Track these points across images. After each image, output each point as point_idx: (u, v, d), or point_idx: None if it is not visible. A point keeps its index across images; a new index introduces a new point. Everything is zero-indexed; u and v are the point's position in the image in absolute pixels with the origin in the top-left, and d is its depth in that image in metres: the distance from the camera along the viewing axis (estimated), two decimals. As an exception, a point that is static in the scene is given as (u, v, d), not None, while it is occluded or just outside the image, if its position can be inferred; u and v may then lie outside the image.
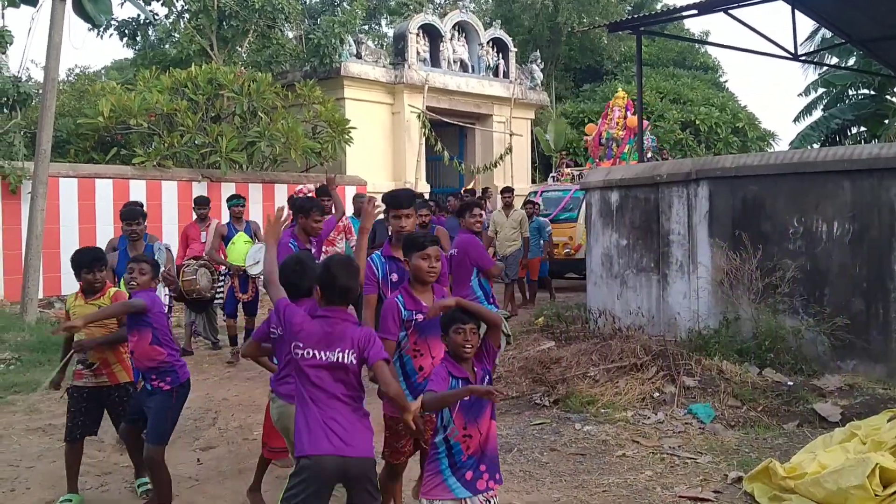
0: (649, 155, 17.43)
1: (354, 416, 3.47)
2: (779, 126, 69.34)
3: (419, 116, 19.06)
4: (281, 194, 15.43)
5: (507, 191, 12.63)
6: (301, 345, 3.46)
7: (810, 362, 7.11)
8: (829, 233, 7.29)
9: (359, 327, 3.53)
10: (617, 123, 18.34)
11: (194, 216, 10.24)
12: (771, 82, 61.77)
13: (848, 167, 7.17)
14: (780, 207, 7.62)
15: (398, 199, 4.88)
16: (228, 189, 14.77)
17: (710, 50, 31.03)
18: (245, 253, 8.93)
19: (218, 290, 9.35)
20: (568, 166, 18.79)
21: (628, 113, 18.26)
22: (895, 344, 6.86)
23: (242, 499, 5.24)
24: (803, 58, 14.85)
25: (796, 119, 24.26)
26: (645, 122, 17.09)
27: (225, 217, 10.95)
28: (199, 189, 14.54)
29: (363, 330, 3.52)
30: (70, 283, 12.91)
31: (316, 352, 3.43)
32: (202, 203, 10.03)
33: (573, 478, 5.40)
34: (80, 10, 11.40)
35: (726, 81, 30.97)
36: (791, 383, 6.74)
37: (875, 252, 7.02)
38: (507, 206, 12.22)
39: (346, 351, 3.42)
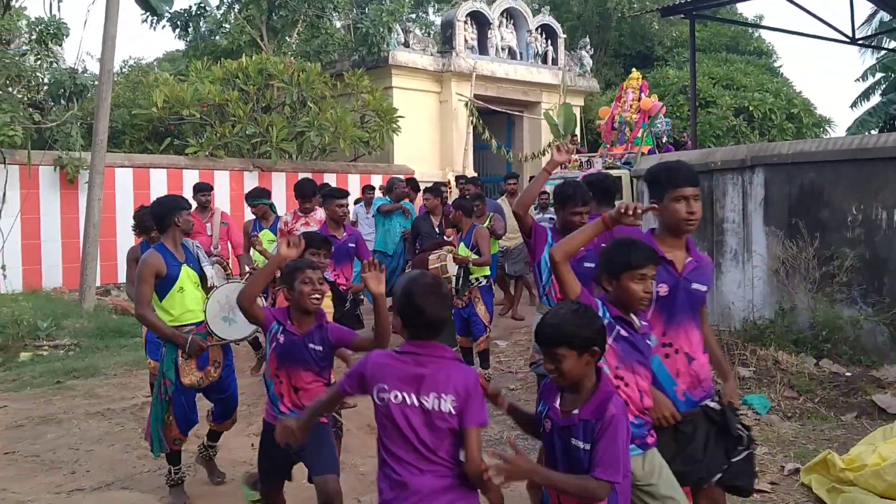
0: (664, 139, 16.75)
1: (441, 483, 2.75)
2: (835, 112, 67.79)
3: (467, 105, 19.00)
4: (330, 183, 15.52)
5: (512, 177, 11.34)
6: (386, 386, 2.79)
7: (869, 353, 6.94)
8: (889, 220, 7.09)
9: (460, 366, 2.83)
10: (630, 106, 17.12)
11: (194, 205, 8.51)
12: (827, 67, 60.36)
13: (910, 153, 6.96)
14: (839, 195, 7.44)
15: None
16: (279, 178, 14.93)
17: (765, 34, 30.35)
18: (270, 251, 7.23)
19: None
20: (579, 152, 17.18)
21: (642, 95, 17.27)
22: (959, 334, 6.67)
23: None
24: (861, 42, 14.46)
25: (853, 104, 23.65)
26: (658, 105, 16.60)
27: (280, 207, 11.02)
28: (251, 178, 14.72)
29: (466, 373, 2.80)
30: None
31: (405, 395, 2.76)
32: (203, 189, 8.76)
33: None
34: (142, 0, 11.58)
35: (781, 66, 30.25)
36: (849, 374, 6.60)
37: (938, 240, 6.82)
38: (512, 195, 10.74)
39: (443, 397, 2.73)
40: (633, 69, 19.37)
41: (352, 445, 6.08)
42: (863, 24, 19.96)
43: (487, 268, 7.63)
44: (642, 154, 14.65)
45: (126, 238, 13.09)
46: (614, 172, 14.20)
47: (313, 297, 3.88)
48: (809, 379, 6.50)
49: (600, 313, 3.04)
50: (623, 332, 3.10)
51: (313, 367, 3.92)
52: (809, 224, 7.56)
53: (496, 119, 20.78)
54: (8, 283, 11.80)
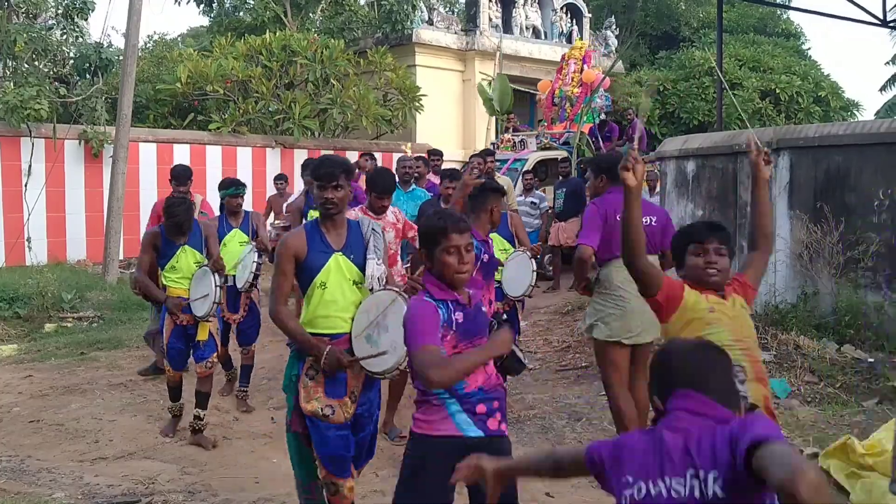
0: (602, 116, 15.06)
1: None
2: (864, 96, 66.81)
3: (490, 83, 18.92)
4: (353, 160, 15.53)
5: (486, 154, 8.92)
6: (630, 479, 2.02)
7: (892, 339, 6.86)
8: (917, 205, 7.00)
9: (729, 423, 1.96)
10: (572, 79, 14.89)
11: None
12: (856, 50, 59.44)
13: (940, 137, 6.85)
14: (866, 179, 7.34)
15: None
16: (301, 155, 14.95)
17: (793, 16, 29.93)
18: (238, 257, 6.53)
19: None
20: (516, 130, 15.55)
21: (585, 66, 15.09)
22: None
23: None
24: (893, 24, 14.21)
25: (883, 88, 23.30)
26: (600, 77, 14.69)
27: (299, 186, 10.90)
28: (273, 155, 14.77)
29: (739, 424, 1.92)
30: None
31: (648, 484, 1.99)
32: (181, 176, 7.17)
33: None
34: None
35: (809, 49, 29.88)
36: (871, 360, 6.53)
37: (966, 226, 6.72)
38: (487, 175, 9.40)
39: (703, 475, 1.91)
40: (578, 39, 18.26)
41: (370, 421, 6.12)
42: (893, 6, 19.59)
43: None
44: (582, 133, 13.48)
45: (148, 212, 13.21)
46: (551, 153, 12.97)
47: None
48: (830, 364, 6.46)
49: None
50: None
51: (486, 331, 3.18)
52: (835, 208, 7.47)
53: (520, 98, 20.65)
54: (33, 255, 11.94)
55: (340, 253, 3.76)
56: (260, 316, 6.69)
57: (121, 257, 11.97)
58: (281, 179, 10.83)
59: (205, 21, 24.81)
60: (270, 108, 14.94)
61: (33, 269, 11.04)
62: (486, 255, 4.90)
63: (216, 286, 5.46)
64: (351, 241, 3.81)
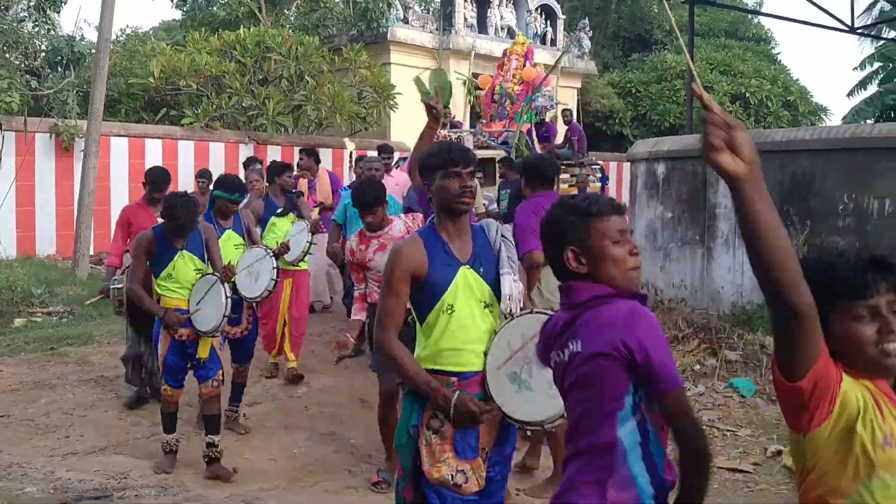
0: (543, 116, 14.13)
1: None
2: (832, 101, 67.76)
3: (465, 83, 18.96)
4: (325, 159, 15.51)
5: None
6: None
7: (855, 341, 7.03)
8: (880, 210, 7.16)
9: None
10: (513, 76, 14.15)
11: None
12: (825, 56, 60.32)
13: (902, 144, 7.02)
14: (831, 183, 7.51)
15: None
16: (274, 152, 14.92)
17: (763, 21, 30.33)
18: (239, 261, 5.75)
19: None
20: (454, 126, 14.79)
21: (527, 63, 14.33)
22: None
23: (287, 452, 5.40)
24: (860, 31, 14.49)
25: (850, 93, 23.71)
26: (541, 75, 13.98)
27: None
28: (246, 151, 14.72)
29: None
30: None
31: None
32: (158, 182, 6.57)
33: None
34: None
35: (779, 54, 30.29)
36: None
37: (927, 231, 6.90)
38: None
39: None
40: (520, 34, 17.25)
41: (344, 417, 6.17)
42: (863, 12, 19.97)
43: None
44: (521, 133, 12.90)
45: (120, 206, 13.09)
46: (488, 153, 12.25)
47: (463, 197, 2.92)
48: (795, 364, 6.59)
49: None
50: None
51: None
52: (800, 212, 7.63)
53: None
54: (2, 249, 11.81)
55: (468, 266, 2.93)
56: (257, 327, 6.23)
57: (91, 252, 11.88)
58: (204, 177, 9.23)
59: (177, 15, 24.66)
60: (244, 104, 14.89)
61: (2, 263, 10.92)
62: None
63: (227, 297, 4.89)
64: (479, 251, 2.98)
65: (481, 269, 2.94)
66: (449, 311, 2.88)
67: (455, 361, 2.91)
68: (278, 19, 19.01)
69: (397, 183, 8.43)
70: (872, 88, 23.20)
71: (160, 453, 5.18)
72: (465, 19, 19.52)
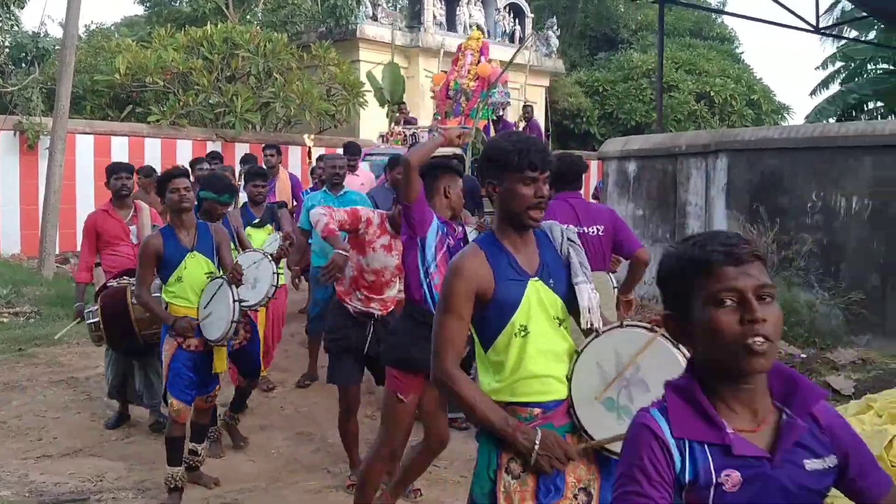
0: (501, 113, 13.96)
1: None
2: (794, 100, 68.78)
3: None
4: (294, 156, 15.41)
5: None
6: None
7: (824, 336, 7.17)
8: (847, 208, 7.31)
9: None
10: (468, 72, 13.62)
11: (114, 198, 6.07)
12: (788, 55, 61.22)
13: (869, 142, 7.16)
14: (799, 181, 7.63)
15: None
16: (242, 149, 14.77)
17: (727, 20, 30.71)
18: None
19: None
20: (408, 123, 14.47)
21: (482, 58, 13.83)
22: (911, 319, 6.91)
23: (265, 453, 5.37)
24: (825, 31, 14.73)
25: (813, 92, 24.06)
26: (497, 71, 13.61)
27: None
28: (214, 148, 14.53)
29: None
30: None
31: None
32: (121, 172, 5.94)
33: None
34: None
35: (742, 53, 30.70)
36: (804, 356, 6.80)
37: (893, 228, 7.04)
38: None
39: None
40: (475, 28, 16.75)
41: (320, 417, 6.15)
42: (825, 12, 20.25)
43: None
44: (478, 130, 12.51)
45: (86, 205, 12.91)
46: (444, 150, 11.97)
47: (535, 209, 2.53)
48: (766, 360, 6.69)
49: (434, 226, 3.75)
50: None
51: None
52: (770, 209, 7.75)
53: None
54: (-35, 248, 11.59)
55: (538, 279, 2.52)
56: (257, 335, 5.54)
57: (56, 251, 11.68)
58: (143, 174, 8.22)
59: (139, 10, 24.37)
60: (211, 101, 14.74)
61: (-34, 263, 10.73)
62: (452, 240, 4.02)
63: (234, 301, 4.43)
64: (546, 261, 2.57)
65: (551, 281, 2.53)
66: (522, 334, 2.46)
67: (537, 390, 2.48)
68: (245, 16, 18.85)
69: (362, 182, 8.37)
70: (835, 87, 23.54)
71: (136, 455, 5.13)
72: (434, 17, 19.51)
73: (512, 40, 21.30)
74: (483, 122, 12.98)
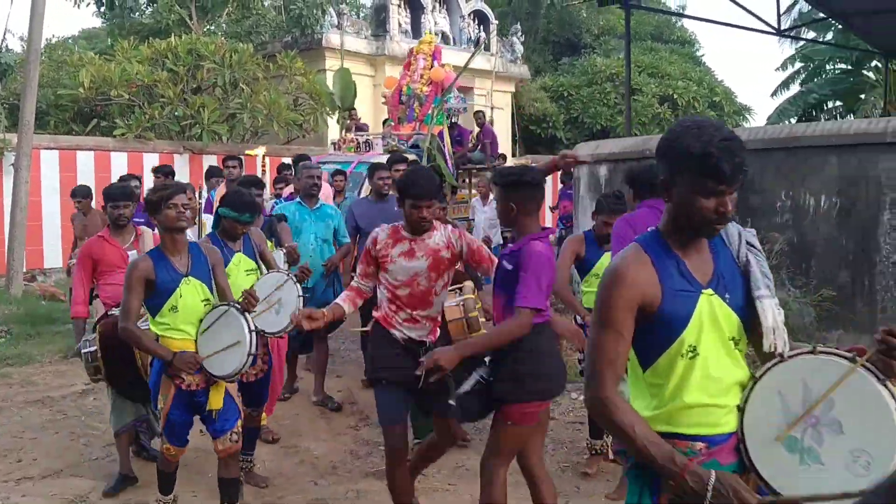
0: (456, 119, 13.65)
1: None
2: (755, 101, 69.83)
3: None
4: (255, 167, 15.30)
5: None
6: None
7: (796, 333, 7.27)
8: (816, 206, 7.44)
9: None
10: (421, 76, 13.24)
11: (104, 221, 6.14)
12: (747, 56, 62.18)
13: (836, 142, 7.30)
14: (768, 181, 7.76)
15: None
16: (210, 161, 14.66)
17: (687, 23, 31.15)
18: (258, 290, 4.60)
19: None
20: (359, 129, 14.15)
21: (435, 63, 13.46)
22: (880, 315, 7.05)
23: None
24: (786, 32, 15.00)
25: (774, 93, 24.49)
26: (451, 76, 13.21)
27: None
28: (181, 161, 14.45)
29: None
30: (53, 256, 12.88)
31: None
32: (119, 200, 5.23)
33: (573, 445, 5.57)
34: None
35: (703, 56, 31.14)
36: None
37: (861, 225, 7.18)
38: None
39: None
40: (427, 33, 16.30)
41: (303, 429, 6.13)
42: (784, 13, 20.63)
43: None
44: (433, 136, 12.18)
45: (52, 222, 12.74)
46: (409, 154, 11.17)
47: (717, 224, 2.15)
48: (742, 358, 6.79)
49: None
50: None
51: None
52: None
53: (429, 104, 20.78)
54: (-72, 268, 11.37)
55: (711, 291, 2.15)
56: (272, 365, 5.22)
57: (24, 269, 11.51)
58: (76, 196, 8.13)
59: (97, 23, 24.10)
60: (177, 113, 14.63)
61: (-70, 283, 10.52)
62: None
63: (250, 331, 4.00)
64: (722, 270, 2.20)
65: (727, 295, 2.15)
66: (691, 355, 2.10)
67: (702, 421, 2.11)
68: (209, 27, 18.73)
69: (324, 194, 8.19)
70: (795, 88, 24.02)
71: (117, 473, 5.04)
72: (400, 25, 19.53)
73: (477, 47, 21.39)
74: (438, 127, 12.56)
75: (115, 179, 12.92)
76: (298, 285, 4.84)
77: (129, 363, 4.57)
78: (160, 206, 4.02)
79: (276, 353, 5.58)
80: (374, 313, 4.15)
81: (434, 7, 20.50)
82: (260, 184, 6.48)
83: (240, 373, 4.05)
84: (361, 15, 23.72)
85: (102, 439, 5.79)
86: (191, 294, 4.05)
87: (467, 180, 12.73)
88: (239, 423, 4.25)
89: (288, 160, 12.01)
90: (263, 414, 5.44)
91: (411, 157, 11.14)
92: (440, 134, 12.54)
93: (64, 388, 7.15)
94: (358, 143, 12.57)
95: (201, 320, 4.07)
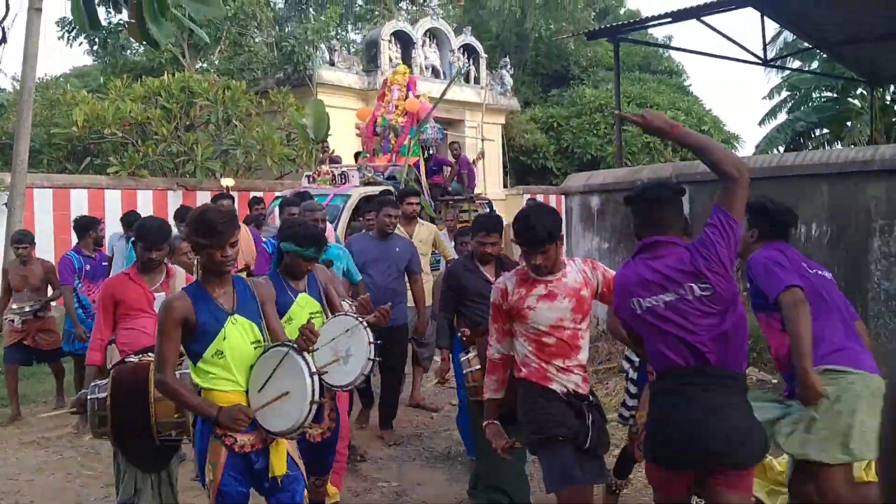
0: (432, 151, 13.43)
1: None
2: (743, 129, 70.48)
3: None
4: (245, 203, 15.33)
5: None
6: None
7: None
8: (807, 234, 7.51)
9: None
10: (395, 107, 13.00)
11: (123, 261, 6.00)
12: (733, 87, 62.87)
13: (825, 171, 7.40)
14: (760, 210, 7.82)
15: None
16: (204, 197, 14.71)
17: (674, 55, 31.49)
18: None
19: None
20: (334, 162, 13.90)
21: (410, 93, 13.20)
22: (874, 341, 7.08)
23: None
24: (772, 62, 15.20)
25: (762, 122, 24.75)
26: (427, 107, 13.03)
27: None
28: (175, 198, 14.49)
29: None
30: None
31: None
32: (156, 240, 4.59)
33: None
34: (143, 34, 11.11)
35: (690, 86, 31.48)
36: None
37: (852, 252, 7.25)
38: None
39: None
40: (400, 63, 16.13)
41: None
42: (768, 43, 20.90)
43: None
44: (409, 167, 12.06)
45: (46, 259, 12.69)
46: (374, 189, 11.17)
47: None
48: (739, 386, 6.79)
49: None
50: None
51: None
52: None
53: (420, 137, 20.91)
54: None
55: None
56: (339, 427, 4.52)
57: (20, 308, 11.44)
58: (22, 242, 7.86)
59: (88, 61, 24.25)
60: (171, 150, 14.70)
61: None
62: None
63: (311, 374, 3.30)
64: None
65: None
66: None
67: None
68: (202, 64, 18.89)
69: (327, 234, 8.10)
70: (782, 116, 24.29)
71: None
72: (391, 60, 19.71)
73: (467, 80, 21.60)
74: (414, 158, 12.39)
75: (109, 217, 13.07)
76: (370, 331, 4.24)
77: (141, 413, 3.91)
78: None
79: (340, 408, 4.73)
80: (517, 374, 3.76)
81: (424, 42, 20.72)
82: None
83: (301, 427, 3.30)
84: (352, 50, 23.96)
85: (100, 480, 5.75)
86: (238, 336, 3.38)
87: (442, 212, 12.56)
88: (306, 493, 3.53)
89: (259, 194, 12.00)
90: (334, 488, 4.81)
91: (387, 187, 11.04)
92: (416, 164, 12.43)
93: (59, 428, 7.11)
94: (333, 175, 12.18)
95: (252, 366, 3.41)
